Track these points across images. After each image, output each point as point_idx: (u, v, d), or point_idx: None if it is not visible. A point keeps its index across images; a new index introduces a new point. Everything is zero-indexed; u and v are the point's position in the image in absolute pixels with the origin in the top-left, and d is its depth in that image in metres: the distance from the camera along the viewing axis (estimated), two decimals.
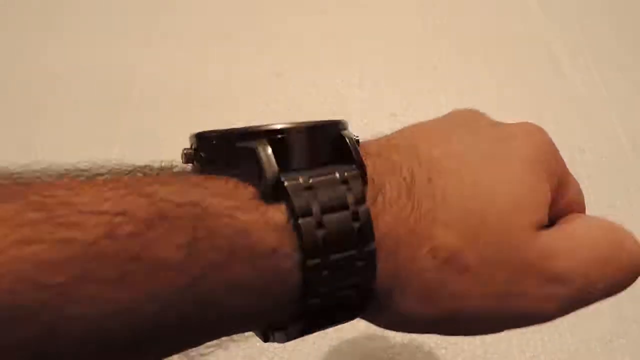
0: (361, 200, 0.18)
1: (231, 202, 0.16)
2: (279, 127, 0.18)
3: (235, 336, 0.55)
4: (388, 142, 0.23)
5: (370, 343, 0.52)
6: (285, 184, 0.17)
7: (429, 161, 0.20)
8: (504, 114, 0.79)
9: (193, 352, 0.19)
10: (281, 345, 0.54)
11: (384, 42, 0.84)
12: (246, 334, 0.55)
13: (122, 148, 0.68)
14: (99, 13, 0.86)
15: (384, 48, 0.83)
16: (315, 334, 0.21)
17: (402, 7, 0.89)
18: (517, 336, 0.55)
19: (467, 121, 0.26)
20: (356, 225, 0.17)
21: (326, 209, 0.17)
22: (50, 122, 0.72)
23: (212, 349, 0.54)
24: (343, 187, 0.18)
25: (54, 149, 0.67)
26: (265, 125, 0.18)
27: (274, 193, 0.17)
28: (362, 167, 0.19)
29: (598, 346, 0.55)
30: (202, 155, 0.20)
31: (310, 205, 0.17)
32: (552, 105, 0.76)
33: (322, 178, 0.18)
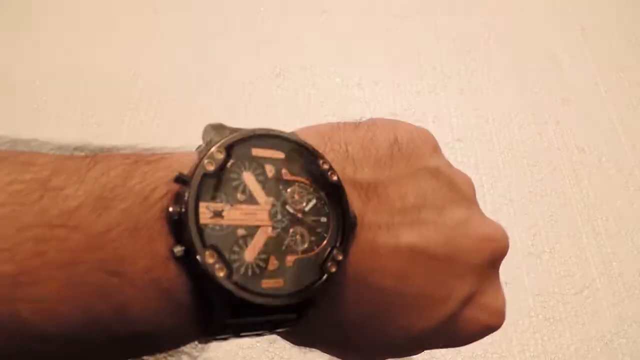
0: None
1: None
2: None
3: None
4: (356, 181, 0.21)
5: None
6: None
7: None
8: (504, 114, 0.80)
9: (196, 352, 0.19)
10: (281, 345, 0.54)
11: (383, 42, 0.84)
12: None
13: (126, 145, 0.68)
14: (99, 13, 0.86)
15: (384, 48, 0.83)
16: None
17: (402, 7, 0.89)
18: (517, 336, 0.55)
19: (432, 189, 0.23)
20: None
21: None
22: (50, 122, 0.72)
23: (212, 349, 0.54)
24: None
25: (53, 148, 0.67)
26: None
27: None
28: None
29: (598, 346, 0.55)
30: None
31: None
32: (552, 105, 0.76)
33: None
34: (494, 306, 0.23)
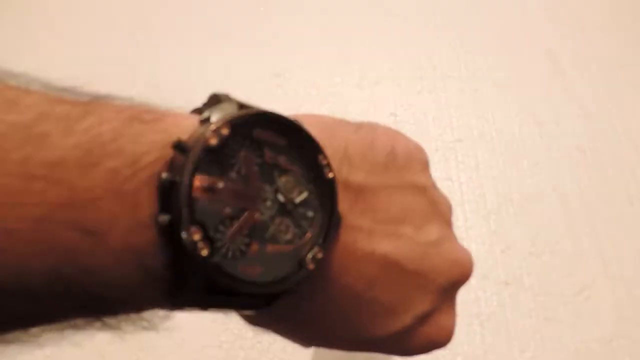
0: None
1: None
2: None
3: (235, 337, 0.55)
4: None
5: None
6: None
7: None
8: (504, 114, 0.80)
9: (156, 319, 0.18)
10: (282, 346, 0.54)
11: (383, 42, 0.84)
12: (249, 335, 0.55)
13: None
14: (99, 13, 0.86)
15: (384, 48, 0.83)
16: None
17: (403, 7, 0.89)
18: (517, 336, 0.55)
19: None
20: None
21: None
22: None
23: (212, 349, 0.54)
24: None
25: None
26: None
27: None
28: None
29: (598, 346, 0.55)
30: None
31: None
32: (552, 105, 0.76)
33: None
34: (446, 326, 0.23)
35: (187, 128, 0.16)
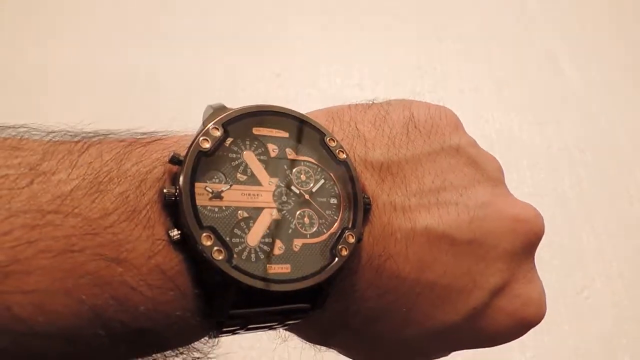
0: None
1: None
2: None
3: (235, 337, 0.55)
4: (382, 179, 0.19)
5: None
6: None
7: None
8: (504, 114, 0.80)
9: (207, 348, 0.18)
10: (282, 346, 0.54)
11: (383, 42, 0.84)
12: (248, 335, 0.55)
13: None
14: (99, 13, 0.86)
15: (384, 48, 0.83)
16: None
17: (403, 8, 0.89)
18: None
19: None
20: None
21: None
22: (49, 122, 0.71)
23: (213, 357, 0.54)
24: None
25: None
26: None
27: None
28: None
29: (598, 346, 0.55)
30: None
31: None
32: (552, 105, 0.76)
33: None
34: (530, 296, 0.20)
35: (186, 143, 0.16)
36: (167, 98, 0.74)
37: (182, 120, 0.18)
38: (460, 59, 0.82)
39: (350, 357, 0.22)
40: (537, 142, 0.71)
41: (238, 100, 0.74)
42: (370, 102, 0.21)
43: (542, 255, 0.67)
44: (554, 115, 0.75)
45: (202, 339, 0.17)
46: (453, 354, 0.21)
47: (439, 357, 0.22)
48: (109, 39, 0.82)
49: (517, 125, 0.73)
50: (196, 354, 0.17)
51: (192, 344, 0.17)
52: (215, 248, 0.14)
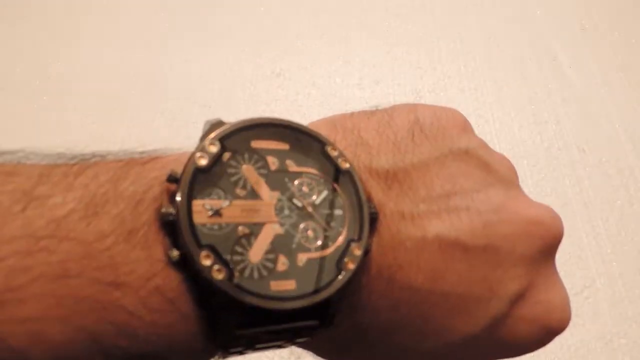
0: None
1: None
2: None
3: None
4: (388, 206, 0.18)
5: None
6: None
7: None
8: (504, 114, 0.80)
9: None
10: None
11: (383, 42, 0.84)
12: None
13: (122, 148, 0.68)
14: (99, 14, 0.86)
15: (384, 48, 0.83)
16: None
17: (403, 7, 0.89)
18: None
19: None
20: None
21: None
22: (50, 122, 0.71)
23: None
24: None
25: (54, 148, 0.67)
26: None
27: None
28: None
29: (598, 346, 0.55)
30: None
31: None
32: (552, 105, 0.76)
33: None
34: (552, 302, 0.19)
35: (184, 161, 0.15)
36: (167, 98, 0.74)
37: (183, 121, 0.18)
38: (460, 59, 0.82)
39: None
40: (537, 142, 0.71)
41: (238, 100, 0.75)
42: (374, 109, 0.20)
43: None
44: (554, 115, 0.75)
45: None
46: None
47: None
48: (108, 39, 0.82)
49: (517, 125, 0.73)
50: None
51: None
52: (216, 267, 0.14)
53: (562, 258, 0.60)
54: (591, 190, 0.66)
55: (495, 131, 0.72)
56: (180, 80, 0.76)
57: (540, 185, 0.66)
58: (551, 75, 0.80)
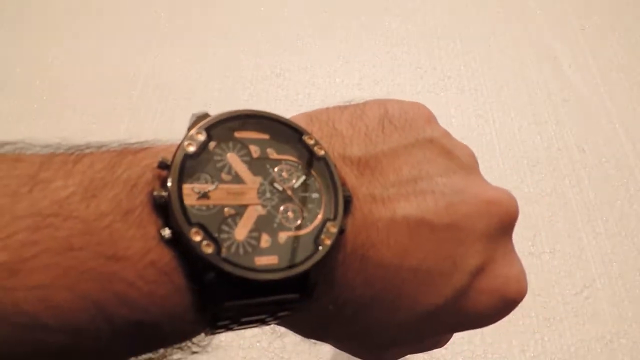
0: None
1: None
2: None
3: (234, 336, 0.55)
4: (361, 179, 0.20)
5: None
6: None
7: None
8: (504, 114, 0.80)
9: (204, 342, 0.19)
10: (281, 345, 0.54)
11: (383, 42, 0.84)
12: (247, 335, 0.55)
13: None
14: (99, 13, 0.86)
15: (384, 48, 0.83)
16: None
17: (403, 7, 0.89)
18: (517, 336, 0.55)
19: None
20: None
21: None
22: (50, 122, 0.72)
23: (211, 350, 0.54)
24: None
25: None
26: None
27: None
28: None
29: (598, 346, 0.55)
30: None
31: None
32: (552, 105, 0.76)
33: None
34: (509, 274, 0.21)
35: (173, 150, 0.17)
36: (167, 98, 0.74)
37: (183, 121, 0.18)
38: (460, 59, 0.82)
39: (344, 350, 0.23)
40: (537, 142, 0.71)
41: (238, 100, 0.75)
42: (347, 103, 0.22)
43: (542, 255, 0.67)
44: (554, 115, 0.75)
45: (199, 336, 0.18)
46: (455, 353, 0.22)
47: (434, 342, 0.24)
48: (108, 39, 0.82)
49: (517, 125, 0.73)
50: (195, 348, 0.18)
51: (190, 340, 0.18)
52: (205, 243, 0.16)
53: (562, 258, 0.61)
54: (591, 190, 0.66)
55: (495, 131, 0.72)
56: (180, 80, 0.76)
57: (540, 185, 0.66)
58: (551, 75, 0.80)
